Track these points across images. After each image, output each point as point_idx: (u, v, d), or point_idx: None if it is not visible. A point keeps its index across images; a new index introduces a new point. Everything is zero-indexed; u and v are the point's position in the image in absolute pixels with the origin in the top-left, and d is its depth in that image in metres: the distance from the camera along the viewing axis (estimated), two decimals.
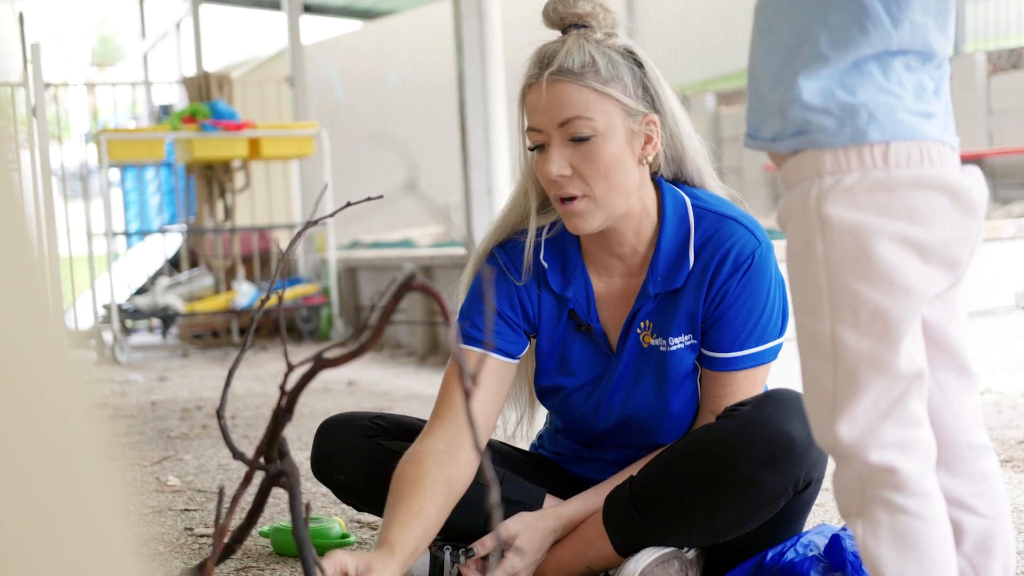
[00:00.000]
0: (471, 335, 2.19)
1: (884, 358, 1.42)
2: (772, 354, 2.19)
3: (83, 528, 0.45)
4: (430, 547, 2.32)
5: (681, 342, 2.19)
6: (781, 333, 2.19)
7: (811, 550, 2.18)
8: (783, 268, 1.65)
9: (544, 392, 2.35)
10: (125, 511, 0.48)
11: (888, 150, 1.41)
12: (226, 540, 2.02)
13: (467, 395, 1.27)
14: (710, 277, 2.15)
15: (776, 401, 2.05)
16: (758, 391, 2.18)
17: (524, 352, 2.27)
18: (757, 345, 2.16)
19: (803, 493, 2.10)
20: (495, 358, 2.22)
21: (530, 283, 2.25)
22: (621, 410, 2.26)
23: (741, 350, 2.16)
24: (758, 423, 2.02)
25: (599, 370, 2.28)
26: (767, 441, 2.00)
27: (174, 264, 8.87)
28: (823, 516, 2.74)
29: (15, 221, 0.46)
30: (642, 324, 2.21)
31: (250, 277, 8.40)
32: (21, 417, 0.43)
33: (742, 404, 2.09)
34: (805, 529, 2.31)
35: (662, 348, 2.20)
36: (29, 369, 0.44)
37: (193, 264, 8.89)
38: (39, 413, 0.44)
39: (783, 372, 2.28)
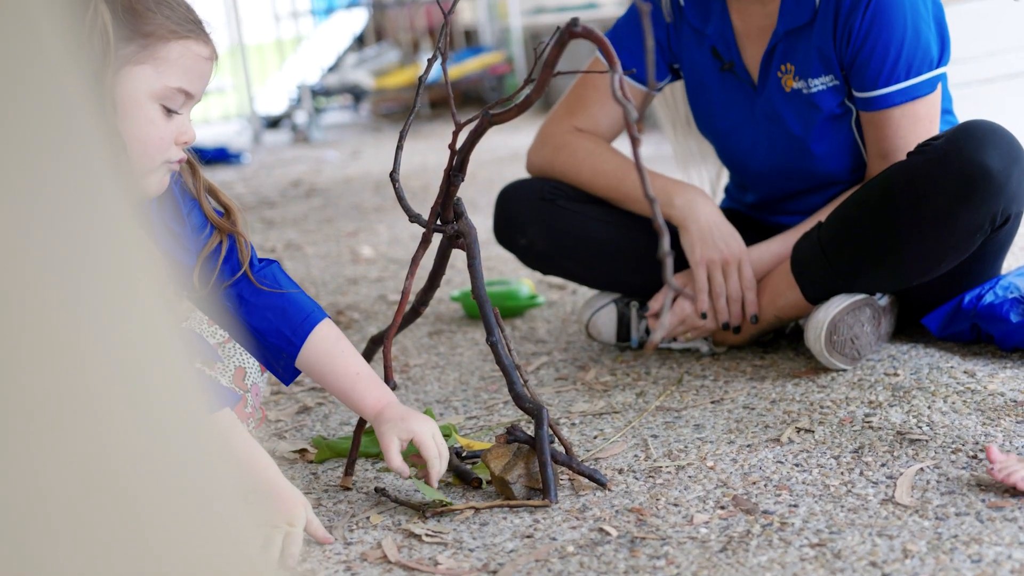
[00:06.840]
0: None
1: None
2: (928, 86, 2.06)
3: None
4: (616, 303, 2.32)
5: (823, 83, 2.11)
6: (939, 63, 2.06)
7: (1011, 292, 2.09)
8: None
9: (708, 137, 2.37)
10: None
11: None
12: (409, 304, 2.05)
13: (634, 143, 1.23)
14: (833, 12, 2.05)
15: (970, 132, 1.93)
16: (925, 128, 2.07)
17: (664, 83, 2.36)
18: (907, 79, 2.04)
19: (1001, 229, 1.99)
20: (630, 83, 2.29)
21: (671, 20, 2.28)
22: (770, 153, 2.22)
23: (887, 86, 2.04)
24: (950, 156, 1.91)
25: (746, 109, 2.23)
26: (960, 174, 1.89)
27: (360, 40, 8.91)
28: None
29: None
30: (783, 67, 2.15)
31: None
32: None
33: (935, 139, 1.98)
34: (1004, 271, 2.21)
35: (804, 91, 2.13)
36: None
37: (379, 39, 8.91)
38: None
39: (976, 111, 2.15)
